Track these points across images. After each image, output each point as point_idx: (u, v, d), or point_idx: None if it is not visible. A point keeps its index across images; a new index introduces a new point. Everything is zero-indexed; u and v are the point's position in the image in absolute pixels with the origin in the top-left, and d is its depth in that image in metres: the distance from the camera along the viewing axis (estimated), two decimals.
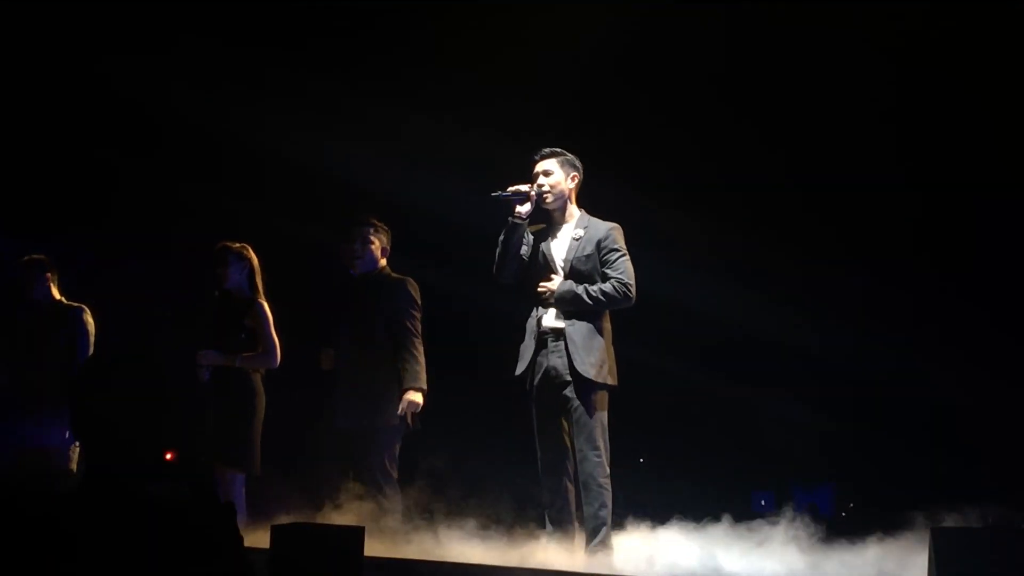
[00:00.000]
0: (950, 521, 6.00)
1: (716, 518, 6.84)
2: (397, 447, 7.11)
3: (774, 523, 6.68)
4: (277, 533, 4.26)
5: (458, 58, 8.81)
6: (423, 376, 7.09)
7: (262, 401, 7.34)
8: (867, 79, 8.59)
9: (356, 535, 4.29)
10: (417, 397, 7.04)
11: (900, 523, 6.18)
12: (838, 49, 8.48)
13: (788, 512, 6.76)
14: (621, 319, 6.57)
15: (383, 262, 7.31)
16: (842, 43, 8.47)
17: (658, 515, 6.84)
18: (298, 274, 8.82)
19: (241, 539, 2.89)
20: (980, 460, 8.00)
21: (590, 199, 6.65)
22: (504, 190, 6.50)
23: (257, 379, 7.37)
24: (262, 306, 7.40)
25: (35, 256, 7.94)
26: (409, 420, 7.05)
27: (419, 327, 7.19)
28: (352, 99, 8.88)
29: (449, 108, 8.85)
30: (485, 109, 8.81)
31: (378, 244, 7.27)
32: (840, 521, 6.49)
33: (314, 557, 4.13)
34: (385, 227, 7.34)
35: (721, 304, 8.98)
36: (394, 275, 7.29)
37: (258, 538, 5.57)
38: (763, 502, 9.04)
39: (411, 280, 7.25)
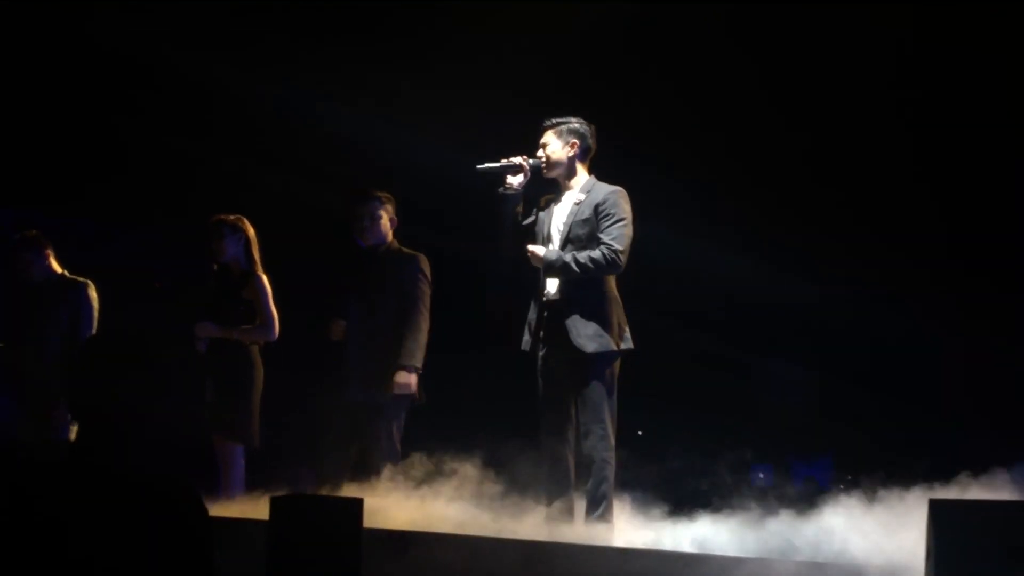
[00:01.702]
0: (948, 492, 6.02)
1: (714, 491, 6.85)
2: (403, 419, 7.13)
3: (771, 496, 6.70)
4: (276, 505, 4.26)
5: (465, 21, 8.76)
6: (419, 355, 7.07)
7: (260, 373, 7.35)
8: (873, 46, 8.56)
9: (355, 507, 4.29)
10: (406, 378, 7.02)
11: (898, 495, 6.19)
12: (841, 16, 8.48)
13: (786, 485, 6.78)
14: (626, 286, 6.54)
15: (391, 234, 7.31)
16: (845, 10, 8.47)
17: (656, 488, 6.85)
18: (304, 245, 8.81)
19: (209, 527, 2.90)
20: (981, 430, 8.02)
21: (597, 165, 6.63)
22: (495, 162, 6.50)
23: (255, 351, 7.37)
24: (260, 279, 7.39)
25: (29, 233, 7.85)
26: (418, 394, 7.07)
27: (427, 303, 7.18)
28: (354, 63, 8.83)
29: (458, 73, 8.80)
30: (494, 72, 8.77)
31: (386, 217, 7.26)
32: (838, 493, 6.48)
33: (313, 529, 4.13)
34: (391, 198, 7.33)
35: (719, 273, 8.97)
36: (405, 249, 7.28)
37: (257, 510, 5.59)
38: (761, 475, 9.05)
39: (422, 255, 7.25)
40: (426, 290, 7.20)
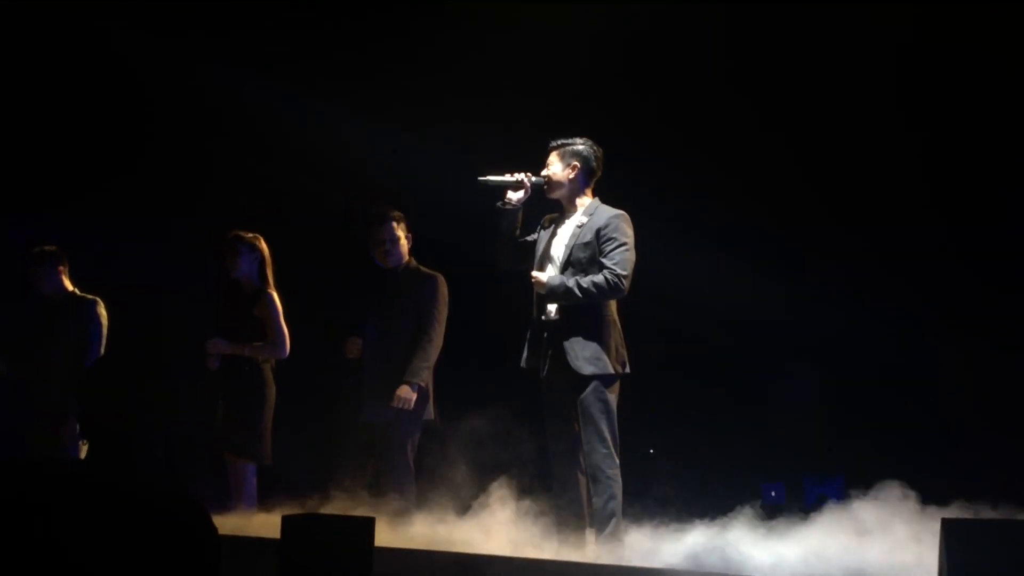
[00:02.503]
0: (961, 512, 6.00)
1: (726, 510, 6.83)
2: (417, 439, 7.15)
3: (784, 514, 6.67)
4: (287, 523, 4.26)
5: (471, 44, 8.80)
6: (424, 374, 7.11)
7: (272, 391, 7.37)
8: (875, 52, 8.57)
9: (366, 526, 4.30)
10: (407, 392, 7.05)
11: (912, 513, 6.16)
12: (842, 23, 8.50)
13: (798, 503, 6.76)
14: (627, 309, 6.56)
15: (408, 253, 7.34)
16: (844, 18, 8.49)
17: (668, 507, 6.84)
18: (320, 263, 8.83)
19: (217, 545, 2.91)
20: (995, 451, 7.99)
21: (601, 187, 6.65)
22: (497, 176, 6.53)
23: (267, 369, 7.39)
24: (271, 296, 7.42)
25: (46, 248, 7.91)
26: (432, 415, 7.10)
27: (442, 324, 7.22)
28: (366, 87, 8.87)
29: (465, 95, 8.83)
30: (499, 98, 8.80)
31: (403, 236, 7.31)
32: (851, 511, 6.46)
33: (324, 548, 4.14)
34: (403, 215, 7.37)
35: (731, 294, 8.96)
36: (424, 269, 7.33)
37: (269, 528, 5.59)
38: (773, 493, 9.02)
39: (440, 276, 7.29)
40: (443, 311, 7.25)
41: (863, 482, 6.50)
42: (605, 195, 6.61)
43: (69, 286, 7.88)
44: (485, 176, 6.55)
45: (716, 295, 8.94)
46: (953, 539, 4.70)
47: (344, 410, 7.31)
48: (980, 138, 8.50)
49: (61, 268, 7.88)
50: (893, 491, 6.29)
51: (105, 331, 7.80)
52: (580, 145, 6.55)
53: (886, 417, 8.84)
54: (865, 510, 6.29)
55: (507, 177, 6.54)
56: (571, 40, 8.72)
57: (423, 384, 7.10)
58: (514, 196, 6.53)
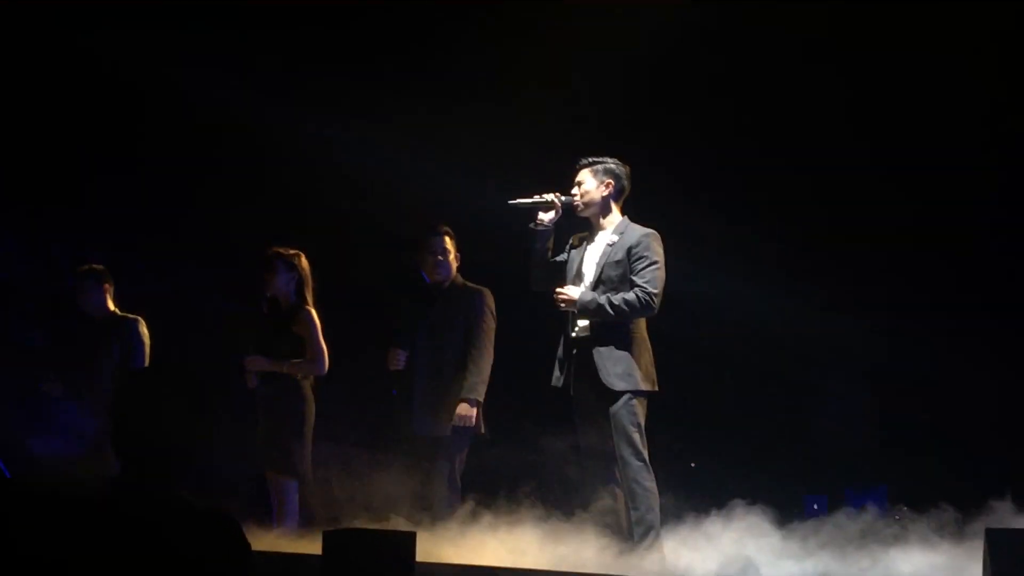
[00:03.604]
0: (1006, 522, 5.95)
1: (768, 521, 6.81)
2: (465, 453, 7.18)
3: (827, 526, 6.65)
4: (329, 539, 4.28)
5: (504, 57, 8.84)
6: (480, 388, 7.15)
7: (311, 408, 7.39)
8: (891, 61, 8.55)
9: (408, 540, 4.31)
10: (467, 410, 7.10)
11: (955, 524, 6.13)
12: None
13: (841, 515, 6.73)
14: (665, 324, 6.58)
15: (455, 269, 7.38)
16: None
17: (710, 518, 6.82)
18: (364, 280, 8.85)
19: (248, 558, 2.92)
20: None
21: (632, 205, 6.67)
22: (527, 197, 6.55)
23: (306, 386, 7.41)
24: (310, 313, 7.44)
25: (93, 266, 7.95)
26: (480, 428, 7.13)
27: (492, 337, 7.25)
28: (389, 98, 8.91)
29: (497, 113, 8.86)
30: (531, 116, 8.83)
31: (452, 251, 7.34)
32: (894, 523, 6.43)
33: (366, 563, 4.15)
34: (452, 232, 7.41)
35: (769, 305, 8.94)
36: (471, 285, 7.36)
37: (310, 545, 5.61)
38: (816, 506, 8.96)
39: (488, 290, 7.32)
40: (492, 325, 7.28)
41: (907, 492, 6.47)
42: (632, 214, 6.64)
43: (112, 306, 7.93)
44: (516, 199, 6.58)
45: (751, 311, 8.93)
46: (997, 549, 4.67)
47: (392, 424, 7.34)
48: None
49: (106, 287, 7.92)
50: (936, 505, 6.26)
51: (148, 350, 7.85)
52: (611, 163, 6.59)
53: (928, 427, 8.79)
54: (909, 521, 6.26)
55: (537, 198, 6.57)
56: (597, 60, 8.73)
57: (480, 400, 7.13)
58: (545, 217, 6.56)
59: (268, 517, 7.26)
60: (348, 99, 8.90)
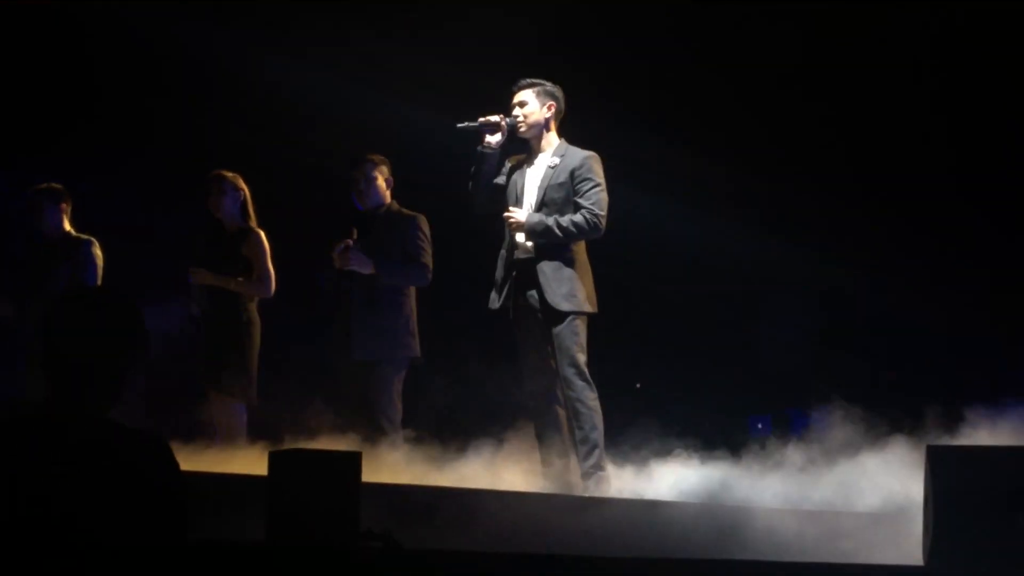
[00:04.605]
0: (945, 437, 6.04)
1: (713, 442, 6.87)
2: (403, 375, 7.17)
3: (771, 445, 6.72)
4: (274, 460, 4.26)
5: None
6: (394, 273, 7.08)
7: (258, 330, 7.36)
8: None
9: (354, 460, 4.29)
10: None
11: (897, 441, 6.21)
12: None
13: (784, 434, 6.80)
14: (610, 245, 6.59)
15: (389, 196, 7.31)
16: None
17: (654, 440, 6.87)
18: (301, 209, 8.80)
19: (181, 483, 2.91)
20: (976, 373, 8.07)
21: (571, 129, 6.65)
22: (473, 120, 6.50)
23: (252, 308, 7.37)
24: (258, 234, 7.40)
25: (52, 185, 7.75)
26: (416, 351, 7.10)
27: (430, 261, 7.19)
28: (326, 24, 8.82)
29: (429, 35, 8.80)
30: (464, 38, 8.77)
31: (381, 178, 7.26)
32: (837, 441, 6.51)
33: (311, 483, 4.14)
34: (385, 160, 7.33)
35: (713, 227, 8.98)
36: (405, 211, 7.30)
37: (257, 465, 5.60)
38: (760, 425, 9.08)
39: (422, 215, 7.26)
40: (427, 249, 7.21)
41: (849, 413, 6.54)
42: (568, 136, 6.64)
43: (68, 226, 7.76)
44: (463, 122, 6.52)
45: (693, 234, 8.98)
46: (938, 465, 4.73)
47: (333, 349, 7.30)
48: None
49: (64, 206, 7.74)
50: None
51: (100, 272, 7.71)
52: (550, 85, 6.57)
53: (869, 347, 8.90)
54: (851, 438, 6.34)
55: (483, 120, 6.52)
56: None
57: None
58: (492, 139, 6.52)
59: (213, 438, 7.22)
60: (286, 26, 8.81)
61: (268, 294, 7.39)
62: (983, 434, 6.06)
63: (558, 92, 6.59)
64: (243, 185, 7.49)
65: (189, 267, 7.37)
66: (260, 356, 7.41)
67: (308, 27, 8.86)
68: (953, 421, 6.22)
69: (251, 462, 6.12)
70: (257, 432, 7.23)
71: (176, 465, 2.89)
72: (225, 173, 7.48)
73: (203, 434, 7.18)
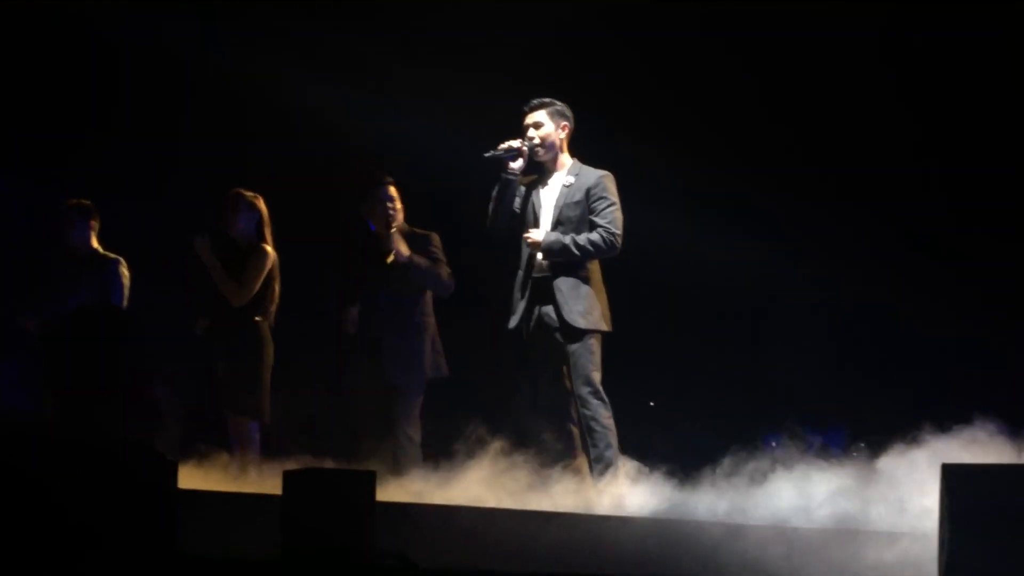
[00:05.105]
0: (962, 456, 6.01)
1: (728, 460, 6.85)
2: (422, 397, 7.23)
3: (784, 462, 6.69)
4: (288, 479, 4.27)
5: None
6: (424, 268, 7.16)
7: (270, 349, 7.39)
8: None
9: (368, 480, 4.30)
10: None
11: (912, 460, 6.18)
12: None
13: (800, 451, 6.78)
14: (625, 264, 6.60)
15: (401, 216, 7.38)
16: None
17: (668, 458, 6.86)
18: (310, 232, 8.81)
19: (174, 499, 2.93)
20: (993, 397, 8.03)
21: (578, 146, 6.69)
22: (496, 147, 6.51)
23: (265, 328, 7.40)
24: (263, 251, 7.43)
25: (82, 201, 7.76)
26: (444, 369, 7.12)
27: (449, 274, 7.24)
28: (333, 41, 8.85)
29: (437, 55, 8.83)
30: (471, 56, 8.80)
31: (399, 199, 7.33)
32: (852, 460, 6.49)
33: (325, 502, 4.14)
34: (393, 181, 7.39)
35: (725, 247, 8.98)
36: (418, 230, 7.34)
37: (271, 485, 5.61)
38: (774, 444, 9.05)
39: (435, 234, 7.32)
40: (445, 263, 7.28)
41: (864, 430, 6.53)
42: (580, 155, 6.69)
43: (95, 243, 7.76)
44: (489, 152, 6.53)
45: (708, 255, 8.98)
46: (953, 484, 4.71)
47: (361, 374, 7.31)
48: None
49: (93, 223, 7.74)
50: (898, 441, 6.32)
51: (127, 292, 7.69)
52: (560, 105, 6.59)
53: (886, 368, 8.88)
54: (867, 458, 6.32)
55: (506, 147, 6.52)
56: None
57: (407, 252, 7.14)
58: (515, 165, 6.53)
59: (230, 457, 7.23)
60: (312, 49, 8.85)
61: (235, 302, 7.35)
62: (999, 451, 6.04)
63: (568, 111, 6.63)
64: (262, 205, 7.52)
65: (195, 237, 7.39)
66: (272, 373, 7.43)
67: (334, 50, 8.88)
68: (968, 438, 6.20)
69: (266, 482, 6.14)
70: (271, 450, 7.25)
71: (171, 473, 2.92)
72: (244, 192, 7.52)
73: (218, 452, 7.19)
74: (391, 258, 7.11)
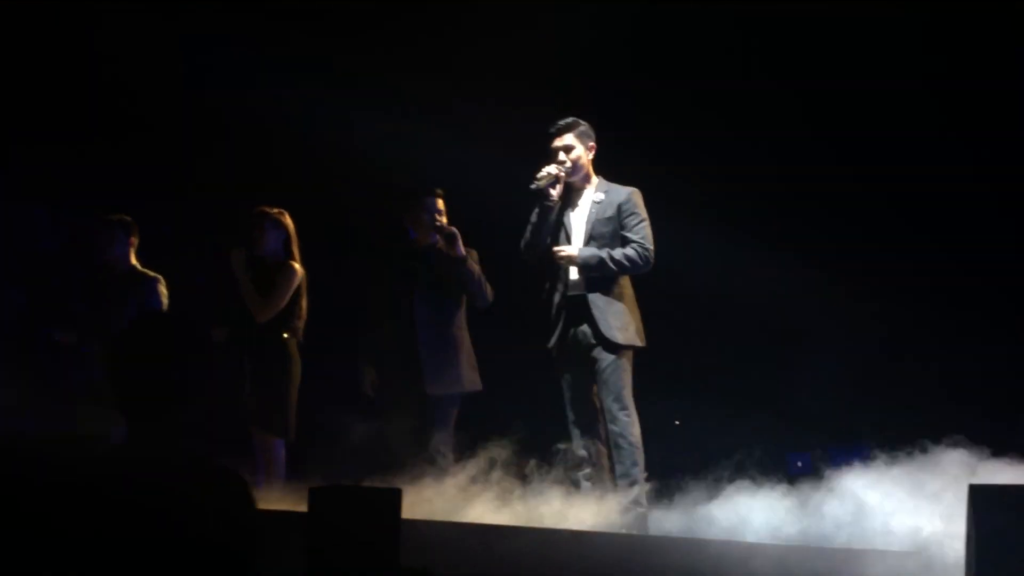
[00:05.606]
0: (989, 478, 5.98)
1: (751, 480, 6.84)
2: (457, 412, 7.25)
3: (809, 483, 6.67)
4: (315, 496, 4.28)
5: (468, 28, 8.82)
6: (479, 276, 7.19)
7: (297, 367, 7.40)
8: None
9: (394, 497, 4.31)
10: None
11: (939, 480, 6.15)
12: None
13: (824, 472, 6.76)
14: (650, 281, 6.63)
15: None
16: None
17: (694, 477, 6.85)
18: (349, 245, 8.82)
19: (253, 511, 2.91)
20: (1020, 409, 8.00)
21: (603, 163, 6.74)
22: (537, 178, 6.53)
23: (292, 345, 7.41)
24: (291, 267, 7.44)
25: (122, 216, 7.76)
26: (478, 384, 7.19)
27: (488, 287, 7.28)
28: (346, 58, 8.89)
29: (460, 77, 8.85)
30: (493, 79, 8.83)
31: (445, 216, 7.36)
32: (875, 479, 6.46)
33: (351, 519, 4.16)
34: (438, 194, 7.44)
35: (748, 265, 8.96)
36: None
37: (297, 502, 5.62)
38: (799, 463, 9.01)
39: (473, 250, 7.33)
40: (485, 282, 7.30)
41: (890, 448, 6.50)
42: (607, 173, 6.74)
43: (134, 259, 7.76)
44: (534, 183, 6.55)
45: (730, 270, 8.96)
46: (981, 505, 4.69)
47: (400, 386, 7.32)
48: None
49: (132, 240, 7.75)
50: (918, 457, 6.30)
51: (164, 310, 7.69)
52: (584, 125, 6.64)
53: (911, 386, 8.84)
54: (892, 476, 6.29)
55: (548, 174, 6.54)
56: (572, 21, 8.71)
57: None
58: (554, 191, 6.56)
59: (255, 474, 7.26)
60: (334, 63, 8.87)
61: (260, 318, 7.37)
62: None
63: (591, 130, 6.69)
64: (288, 221, 7.53)
65: (232, 249, 7.41)
66: (300, 391, 7.45)
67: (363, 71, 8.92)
68: (998, 459, 6.17)
69: (292, 498, 6.15)
70: (296, 468, 7.27)
71: (254, 505, 2.90)
72: (268, 210, 7.53)
73: (245, 470, 7.19)
74: (453, 251, 7.07)
